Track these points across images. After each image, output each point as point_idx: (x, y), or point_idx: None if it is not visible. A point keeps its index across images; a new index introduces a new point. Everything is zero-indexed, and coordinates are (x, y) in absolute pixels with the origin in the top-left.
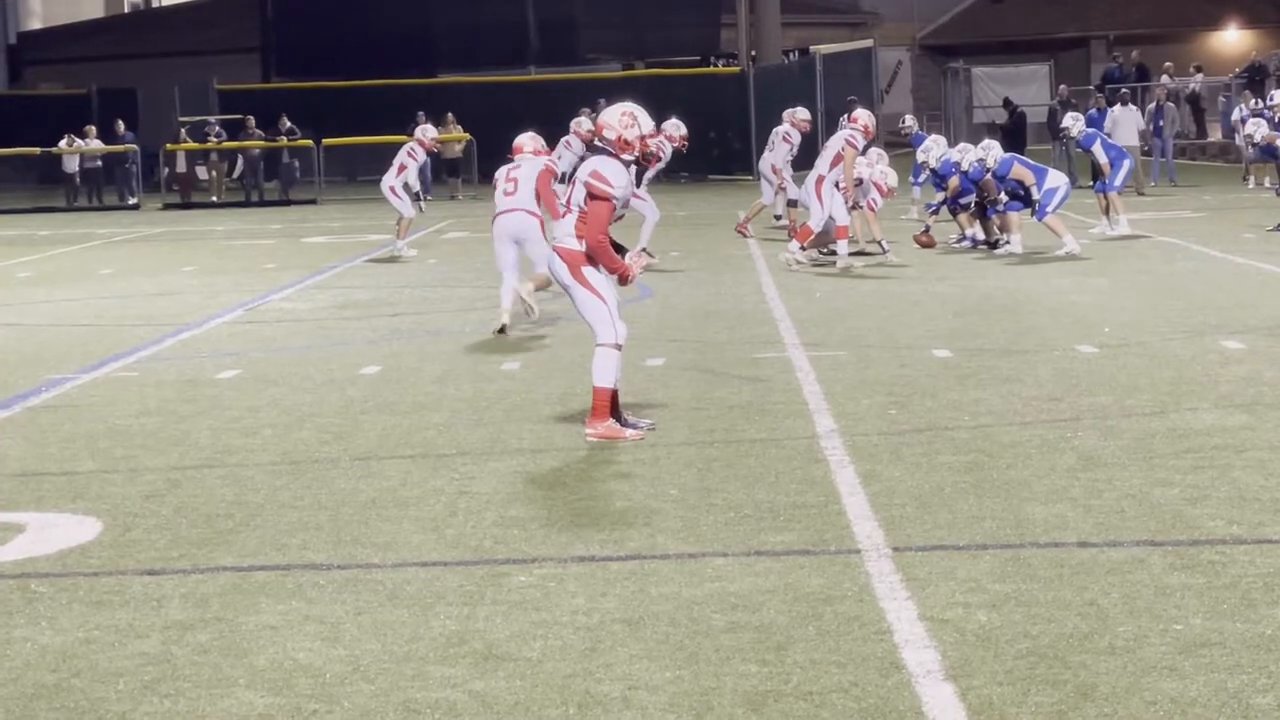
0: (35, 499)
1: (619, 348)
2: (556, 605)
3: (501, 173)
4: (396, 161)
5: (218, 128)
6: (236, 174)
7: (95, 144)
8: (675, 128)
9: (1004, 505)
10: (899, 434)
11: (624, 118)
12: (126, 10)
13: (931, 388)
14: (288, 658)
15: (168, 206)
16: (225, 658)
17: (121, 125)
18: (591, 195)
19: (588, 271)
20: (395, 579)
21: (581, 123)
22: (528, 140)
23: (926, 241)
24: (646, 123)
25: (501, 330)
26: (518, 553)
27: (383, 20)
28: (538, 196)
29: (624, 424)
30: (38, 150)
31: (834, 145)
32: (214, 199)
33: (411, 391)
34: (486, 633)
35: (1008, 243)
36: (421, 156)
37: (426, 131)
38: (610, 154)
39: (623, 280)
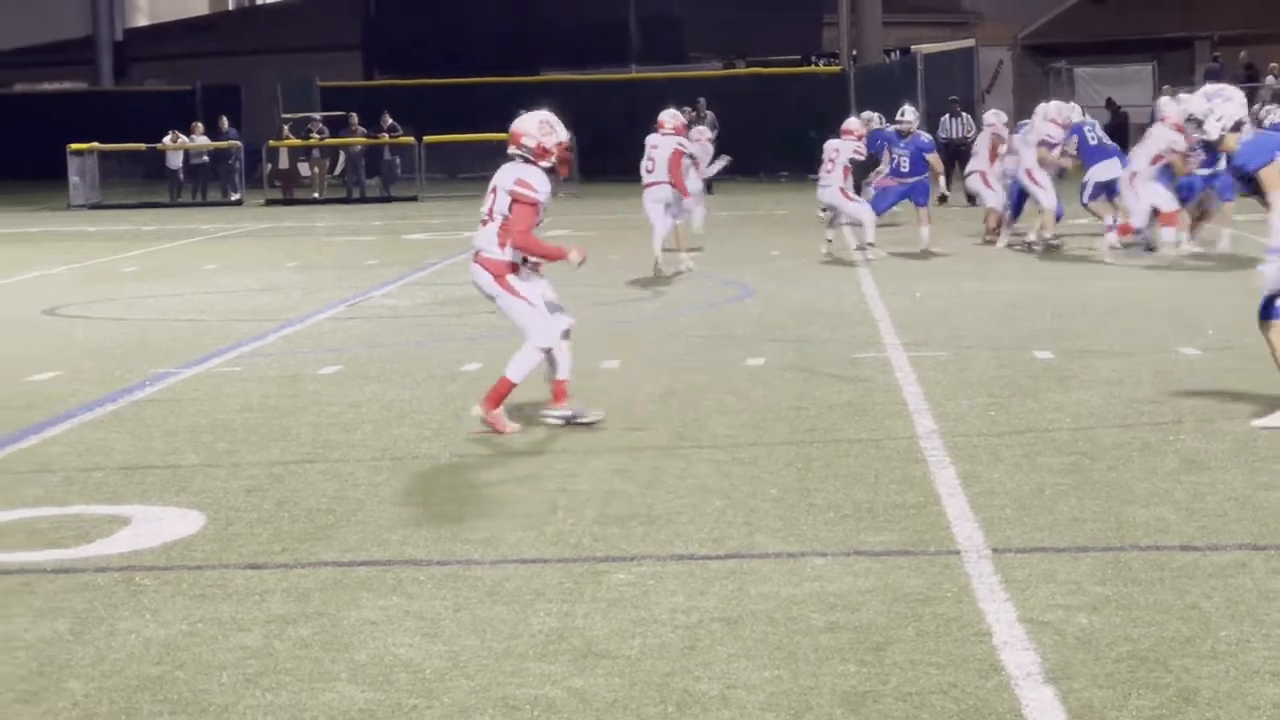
0: (140, 492)
1: (547, 351)
2: (655, 603)
3: (648, 143)
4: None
5: (320, 124)
6: (338, 170)
7: (201, 140)
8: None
9: (1105, 507)
10: (999, 435)
11: (542, 125)
12: (231, 7)
13: (1032, 389)
14: (388, 653)
15: (270, 203)
16: (326, 652)
17: (225, 121)
18: (517, 201)
19: (512, 279)
20: (495, 575)
21: (676, 116)
22: (669, 117)
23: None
24: (562, 131)
25: (656, 269)
26: (617, 550)
27: (485, 17)
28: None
29: (574, 414)
30: (143, 146)
31: (1156, 144)
32: (316, 195)
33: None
34: (585, 630)
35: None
36: None
37: None
38: (529, 161)
39: (567, 259)
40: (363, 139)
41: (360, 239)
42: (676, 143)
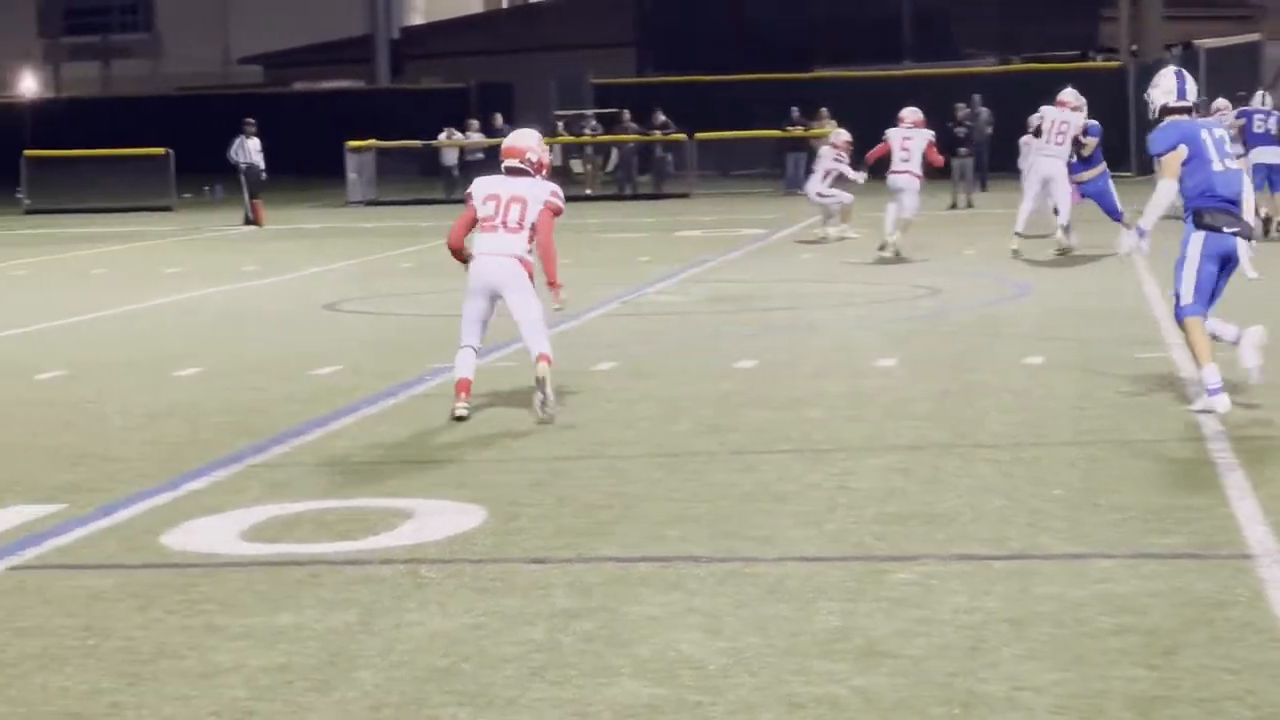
0: (422, 485)
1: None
2: (938, 603)
3: (895, 138)
4: (820, 169)
5: (593, 121)
6: (611, 167)
7: (477, 137)
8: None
9: None
10: None
11: (541, 142)
12: (505, 5)
13: None
14: (670, 649)
15: None
16: (609, 647)
17: (500, 118)
18: (550, 210)
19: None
20: (775, 573)
21: (916, 111)
22: (910, 113)
23: None
24: None
25: (882, 248)
26: (898, 549)
27: (756, 14)
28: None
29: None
30: (419, 143)
31: None
32: (588, 192)
33: (787, 386)
34: (868, 629)
35: None
36: (845, 157)
37: (840, 135)
38: (530, 175)
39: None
40: (635, 136)
41: (632, 236)
42: (928, 134)
